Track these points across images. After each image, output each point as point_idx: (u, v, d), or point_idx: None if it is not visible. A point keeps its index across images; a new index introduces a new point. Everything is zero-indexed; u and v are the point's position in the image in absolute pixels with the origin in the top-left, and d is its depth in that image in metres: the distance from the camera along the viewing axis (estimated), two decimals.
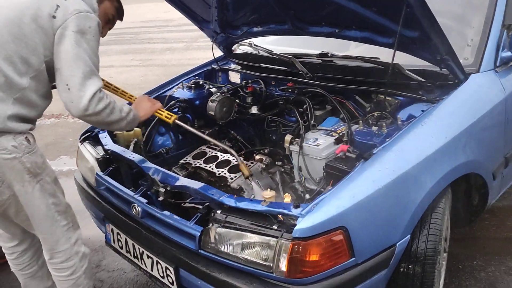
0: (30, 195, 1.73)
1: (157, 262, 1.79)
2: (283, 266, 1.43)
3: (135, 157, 2.03)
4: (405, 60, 1.98)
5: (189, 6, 2.52)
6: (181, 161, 2.32)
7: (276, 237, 1.45)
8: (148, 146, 2.46)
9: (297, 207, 1.48)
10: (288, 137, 2.00)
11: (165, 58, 7.46)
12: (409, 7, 1.62)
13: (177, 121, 2.16)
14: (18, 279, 2.12)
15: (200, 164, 2.24)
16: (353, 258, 1.47)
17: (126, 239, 1.95)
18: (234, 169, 2.14)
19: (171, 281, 1.75)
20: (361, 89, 2.08)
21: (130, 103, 2.15)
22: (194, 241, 1.62)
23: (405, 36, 1.84)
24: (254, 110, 2.53)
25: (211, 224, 1.60)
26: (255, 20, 2.43)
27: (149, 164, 1.97)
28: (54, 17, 1.62)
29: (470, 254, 2.39)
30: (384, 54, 2.05)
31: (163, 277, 1.80)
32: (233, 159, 2.23)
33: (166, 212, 1.76)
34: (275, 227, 1.48)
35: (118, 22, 2.02)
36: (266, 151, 2.33)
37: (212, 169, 2.18)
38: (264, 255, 1.48)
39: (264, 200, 1.57)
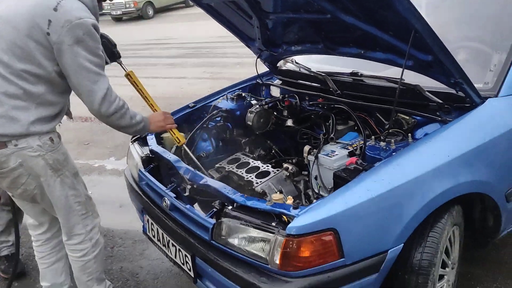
0: (52, 187, 1.99)
1: (179, 250, 2.03)
2: (277, 259, 1.60)
3: (172, 157, 2.30)
4: (428, 81, 2.08)
5: (236, 25, 2.78)
6: (217, 165, 2.57)
7: (273, 233, 1.63)
8: (191, 149, 2.73)
9: (296, 208, 1.65)
10: (306, 148, 2.17)
11: (234, 71, 7.83)
12: (417, 33, 1.75)
13: (184, 146, 2.37)
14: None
15: (233, 168, 2.47)
16: (342, 259, 1.61)
17: (157, 229, 2.21)
18: (261, 175, 2.35)
19: (189, 267, 1.98)
20: (380, 107, 2.20)
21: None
22: (208, 233, 1.84)
23: (421, 60, 1.96)
24: (289, 122, 2.71)
25: (222, 218, 1.81)
26: (293, 39, 2.63)
27: (182, 164, 2.22)
28: (48, 34, 1.75)
29: (492, 277, 2.39)
30: (410, 76, 2.16)
31: (183, 264, 2.03)
32: (262, 166, 2.44)
33: (188, 206, 1.99)
34: (273, 224, 1.65)
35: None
36: (294, 160, 2.51)
37: (242, 173, 2.40)
38: (263, 248, 1.66)
39: (269, 201, 1.76)
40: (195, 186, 2.11)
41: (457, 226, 1.99)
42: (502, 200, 1.99)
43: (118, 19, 18.51)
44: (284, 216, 1.66)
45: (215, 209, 1.89)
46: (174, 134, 2.35)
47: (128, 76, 2.31)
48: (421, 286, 1.76)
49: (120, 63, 2.34)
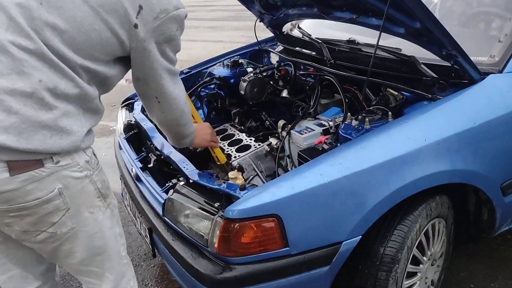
0: (99, 224, 1.36)
1: (141, 222, 1.96)
2: (215, 242, 1.47)
3: (149, 125, 2.20)
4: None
5: None
6: None
7: (214, 214, 1.50)
8: None
9: (243, 189, 1.51)
10: (280, 123, 2.00)
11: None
12: None
13: (224, 165, 2.04)
14: None
15: None
16: (287, 248, 1.45)
17: (129, 198, 2.15)
18: (241, 149, 2.21)
19: (148, 241, 1.91)
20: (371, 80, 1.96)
21: None
22: (161, 207, 1.74)
23: (410, 27, 1.71)
24: (284, 93, 2.52)
25: (173, 194, 1.70)
26: (289, 2, 2.40)
27: (156, 133, 2.12)
28: (135, 26, 1.22)
29: (491, 275, 2.14)
30: (410, 47, 1.90)
31: (146, 236, 1.96)
32: (245, 139, 2.29)
33: (149, 178, 1.90)
34: (216, 204, 1.52)
35: None
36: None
37: (224, 146, 2.27)
38: (205, 229, 1.54)
39: (219, 179, 1.62)
40: (162, 157, 2.00)
41: (441, 218, 1.76)
42: (497, 193, 1.73)
43: None
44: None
45: (170, 184, 1.79)
46: (214, 153, 2.00)
47: None
48: (382, 283, 1.58)
49: None
